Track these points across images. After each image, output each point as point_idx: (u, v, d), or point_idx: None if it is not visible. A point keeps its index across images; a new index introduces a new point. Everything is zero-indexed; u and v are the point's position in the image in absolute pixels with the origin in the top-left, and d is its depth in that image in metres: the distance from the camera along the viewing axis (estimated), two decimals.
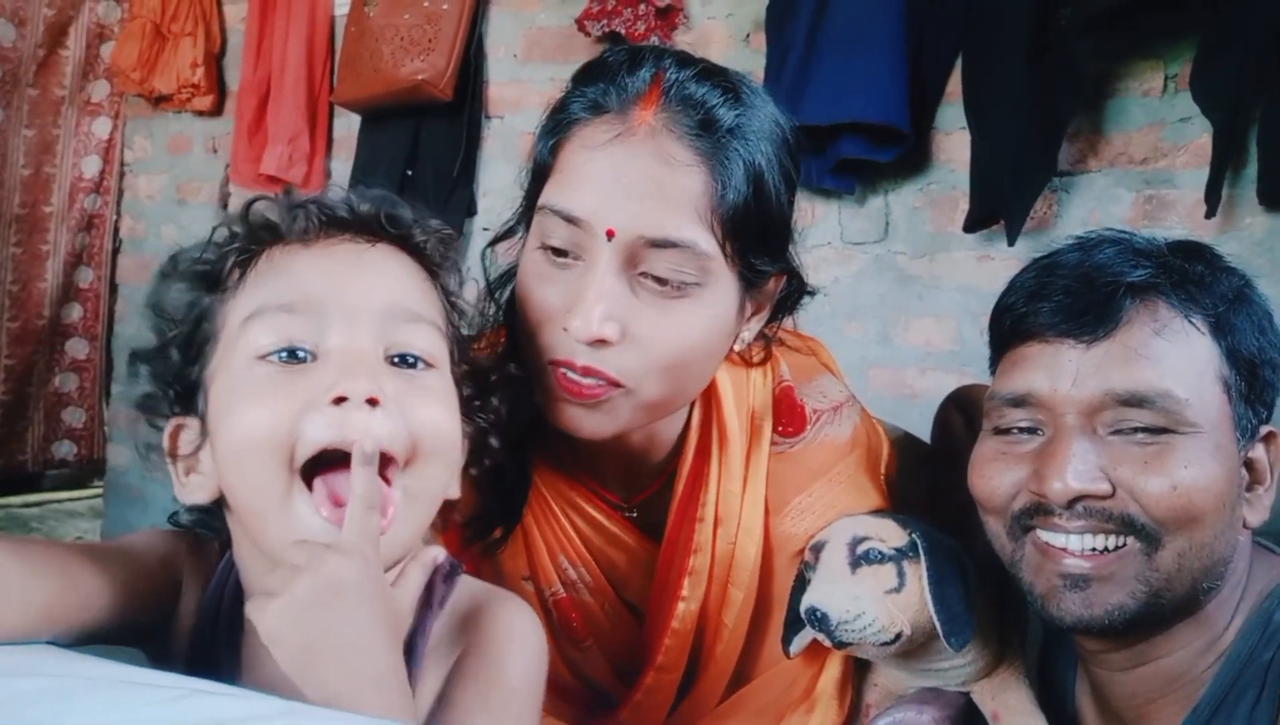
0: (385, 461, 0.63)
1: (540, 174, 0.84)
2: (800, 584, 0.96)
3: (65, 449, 3.76)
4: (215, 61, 3.31)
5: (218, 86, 3.31)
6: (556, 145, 0.82)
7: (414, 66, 2.58)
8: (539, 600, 0.98)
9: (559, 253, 0.80)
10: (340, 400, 0.61)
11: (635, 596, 1.01)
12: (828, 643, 0.91)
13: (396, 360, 0.66)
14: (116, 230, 3.73)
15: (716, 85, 0.82)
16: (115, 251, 3.74)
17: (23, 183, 3.50)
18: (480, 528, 0.89)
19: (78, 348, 3.75)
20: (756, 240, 0.83)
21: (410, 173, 2.74)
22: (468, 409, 0.73)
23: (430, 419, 0.65)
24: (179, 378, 0.68)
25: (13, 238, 3.51)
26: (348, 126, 2.96)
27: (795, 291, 0.92)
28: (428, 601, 0.69)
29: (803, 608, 0.92)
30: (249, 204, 0.69)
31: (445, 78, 2.58)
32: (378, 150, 2.82)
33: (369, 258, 0.68)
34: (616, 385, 0.80)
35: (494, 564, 0.96)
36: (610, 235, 0.77)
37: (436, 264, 0.73)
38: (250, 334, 0.64)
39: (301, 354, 0.63)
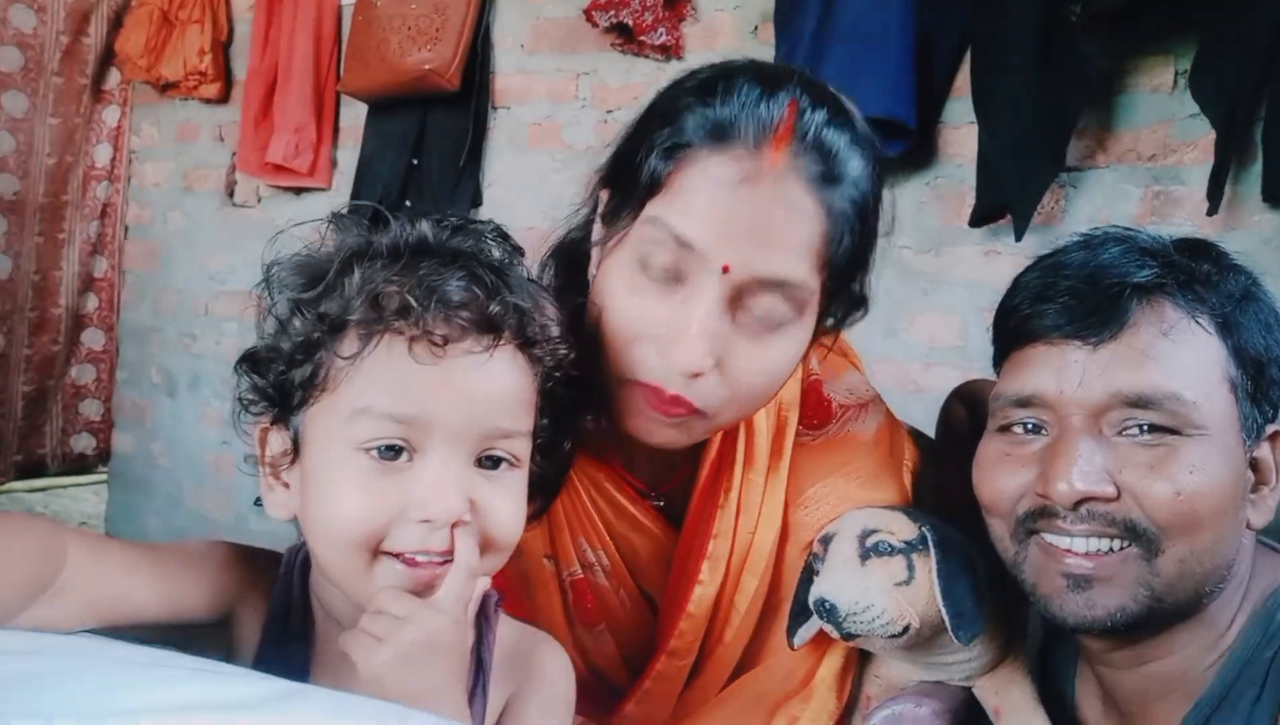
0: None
1: (651, 187, 0.80)
2: (807, 576, 0.96)
3: (84, 442, 3.71)
4: (222, 49, 3.31)
5: (225, 74, 3.31)
6: (675, 167, 0.79)
7: (421, 56, 2.58)
8: (557, 580, 0.99)
9: (664, 271, 0.79)
10: (429, 520, 0.67)
11: (652, 586, 1.02)
12: (835, 634, 0.91)
13: (484, 460, 0.70)
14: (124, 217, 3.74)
15: (843, 128, 0.81)
16: (124, 239, 3.74)
17: (47, 172, 3.48)
18: None
19: (94, 338, 3.72)
20: (851, 279, 0.85)
21: (416, 162, 2.75)
22: (535, 457, 0.77)
23: (504, 524, 0.71)
24: (281, 392, 0.71)
25: (36, 227, 3.49)
26: (354, 116, 2.96)
27: (859, 312, 0.92)
28: (486, 623, 0.78)
29: (811, 598, 0.92)
30: (376, 289, 0.68)
31: (452, 68, 2.58)
32: (384, 140, 2.82)
33: (485, 372, 0.68)
34: (699, 413, 0.81)
35: None
36: (726, 270, 0.77)
37: (543, 359, 0.74)
38: (358, 427, 0.67)
39: (399, 449, 0.67)
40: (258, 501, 0.75)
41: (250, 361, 0.73)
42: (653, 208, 0.79)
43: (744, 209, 0.76)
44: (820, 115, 0.79)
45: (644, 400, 0.81)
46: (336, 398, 0.68)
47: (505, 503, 0.71)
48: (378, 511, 0.66)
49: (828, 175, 0.78)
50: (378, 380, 0.67)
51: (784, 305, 0.79)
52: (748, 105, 0.78)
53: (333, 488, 0.67)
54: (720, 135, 0.78)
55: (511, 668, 0.79)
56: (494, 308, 0.69)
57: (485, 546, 0.70)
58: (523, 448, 0.73)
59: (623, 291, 0.81)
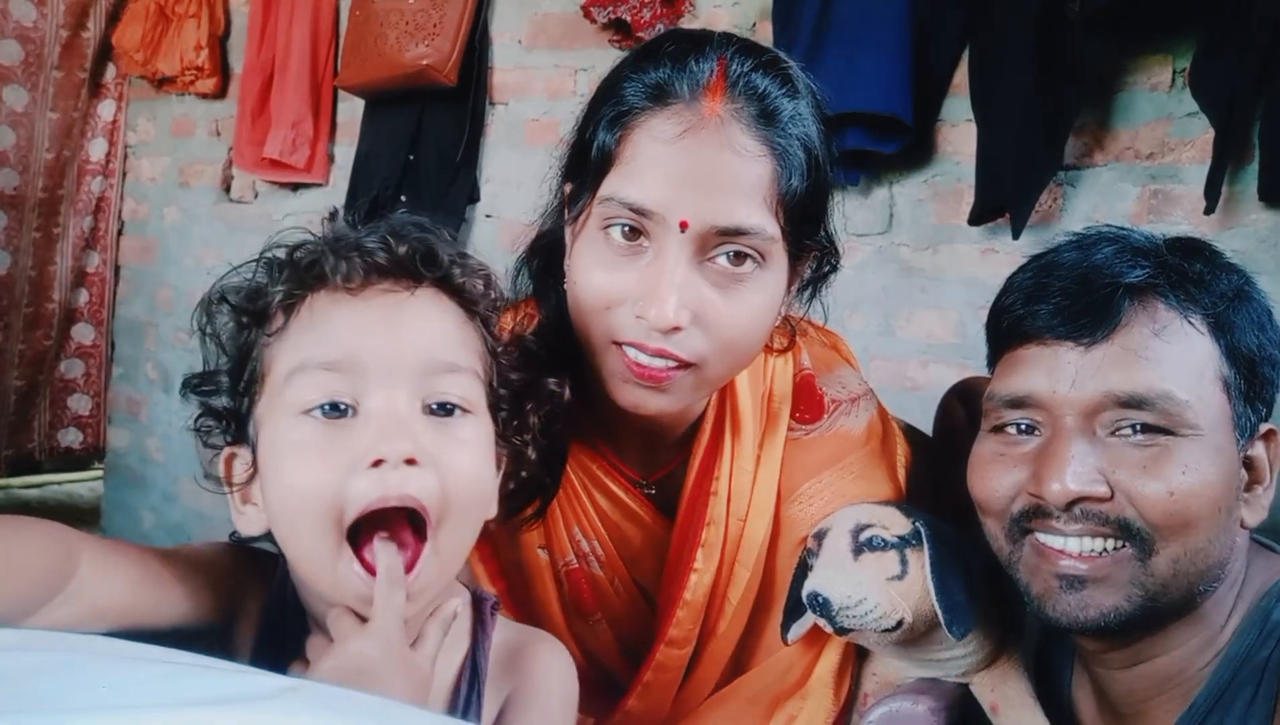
0: (419, 520, 0.67)
1: (602, 163, 0.83)
2: (802, 571, 0.96)
3: (72, 437, 3.72)
4: (219, 44, 3.30)
5: (221, 69, 3.30)
6: (621, 135, 0.82)
7: (418, 51, 2.57)
8: (552, 570, 0.99)
9: (629, 237, 0.82)
10: (379, 462, 0.64)
11: (645, 577, 1.02)
12: (829, 628, 0.92)
13: (434, 408, 0.69)
14: (119, 213, 3.72)
15: (774, 74, 0.84)
16: (118, 234, 3.73)
17: (45, 167, 3.47)
18: (516, 503, 0.90)
19: (84, 333, 3.71)
20: (809, 220, 0.86)
21: (413, 158, 2.74)
22: (505, 431, 0.77)
23: (464, 471, 0.69)
24: (230, 409, 0.71)
25: (34, 222, 3.49)
26: (351, 111, 2.96)
27: (830, 261, 0.94)
28: (482, 627, 0.78)
29: (805, 592, 0.92)
30: (295, 246, 0.71)
31: (450, 63, 2.57)
32: (381, 135, 2.81)
33: (408, 308, 0.69)
34: (685, 366, 0.83)
35: (510, 532, 0.97)
36: (684, 227, 0.79)
37: (474, 302, 0.74)
38: (295, 388, 0.67)
39: (343, 407, 0.66)
40: (233, 535, 0.75)
41: (193, 382, 0.73)
42: (606, 186, 0.82)
43: (690, 161, 0.79)
44: (748, 63, 0.83)
45: (630, 366, 0.83)
46: (275, 377, 0.68)
47: (461, 451, 0.69)
48: (329, 470, 0.64)
49: (764, 114, 0.81)
50: (305, 338, 0.68)
51: (748, 254, 0.81)
52: (679, 64, 0.82)
53: (284, 460, 0.66)
54: (658, 95, 0.81)
55: (508, 669, 0.79)
56: (403, 249, 0.70)
57: (446, 507, 0.67)
58: (472, 390, 0.71)
59: (593, 266, 0.84)
